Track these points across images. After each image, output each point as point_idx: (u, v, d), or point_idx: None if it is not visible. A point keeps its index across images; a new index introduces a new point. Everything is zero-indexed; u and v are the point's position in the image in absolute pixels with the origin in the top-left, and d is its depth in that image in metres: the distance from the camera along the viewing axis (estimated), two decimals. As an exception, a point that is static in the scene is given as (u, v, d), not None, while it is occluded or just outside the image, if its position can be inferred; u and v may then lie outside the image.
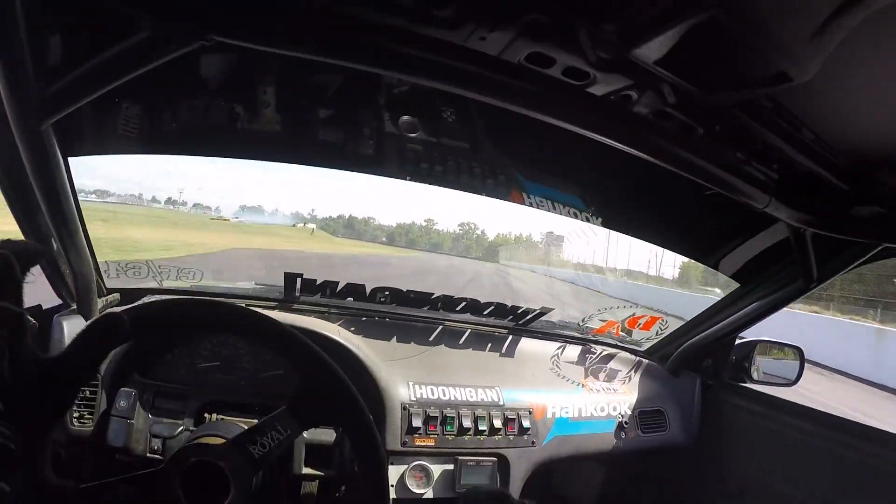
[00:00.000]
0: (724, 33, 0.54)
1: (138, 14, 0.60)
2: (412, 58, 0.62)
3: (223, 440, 0.78)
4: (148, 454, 1.08)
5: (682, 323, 1.63)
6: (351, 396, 0.74)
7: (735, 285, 1.48)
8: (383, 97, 1.10)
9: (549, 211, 1.29)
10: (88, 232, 1.11)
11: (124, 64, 0.64)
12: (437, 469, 1.21)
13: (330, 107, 1.14)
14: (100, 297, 1.23)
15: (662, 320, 1.63)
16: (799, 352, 1.66)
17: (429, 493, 1.20)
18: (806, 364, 1.65)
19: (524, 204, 1.28)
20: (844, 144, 0.87)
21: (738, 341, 1.59)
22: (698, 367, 1.61)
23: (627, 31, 0.57)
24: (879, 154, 0.88)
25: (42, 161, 0.80)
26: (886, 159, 0.88)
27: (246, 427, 0.77)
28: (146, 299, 1.28)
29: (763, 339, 1.64)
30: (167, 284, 1.41)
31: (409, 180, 1.25)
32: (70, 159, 0.95)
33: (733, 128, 0.79)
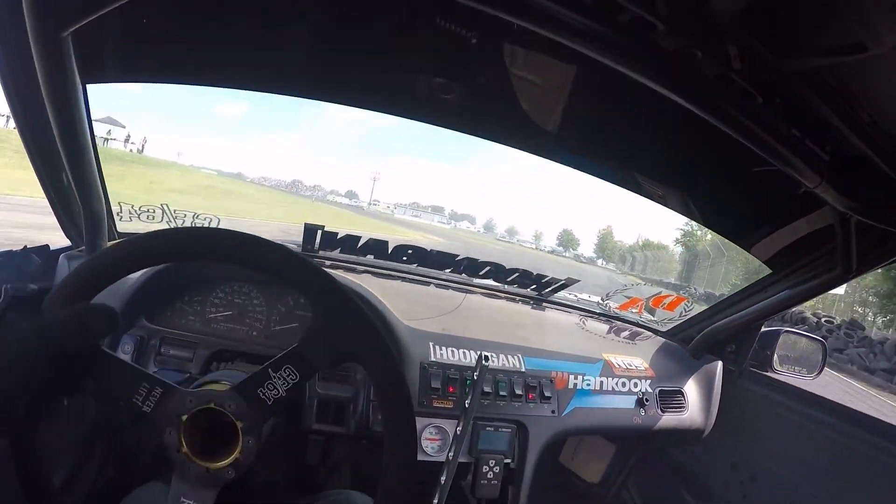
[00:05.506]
0: None
1: None
2: None
3: (228, 385, 0.68)
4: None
5: (707, 306, 1.59)
6: (371, 329, 0.63)
7: (766, 271, 1.44)
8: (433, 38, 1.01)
9: (586, 172, 1.23)
10: (103, 171, 1.05)
11: None
12: (454, 432, 1.17)
13: (370, 45, 1.03)
14: (110, 240, 1.16)
15: (688, 301, 1.59)
16: (822, 345, 1.63)
17: (444, 457, 1.16)
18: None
19: (562, 163, 1.22)
20: None
21: (762, 329, 1.56)
22: (721, 352, 1.57)
23: None
24: None
25: (59, 77, 0.73)
26: None
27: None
28: None
29: (788, 328, 1.61)
30: (182, 230, 1.35)
31: (459, 131, 1.18)
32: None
33: (793, 101, 0.74)
